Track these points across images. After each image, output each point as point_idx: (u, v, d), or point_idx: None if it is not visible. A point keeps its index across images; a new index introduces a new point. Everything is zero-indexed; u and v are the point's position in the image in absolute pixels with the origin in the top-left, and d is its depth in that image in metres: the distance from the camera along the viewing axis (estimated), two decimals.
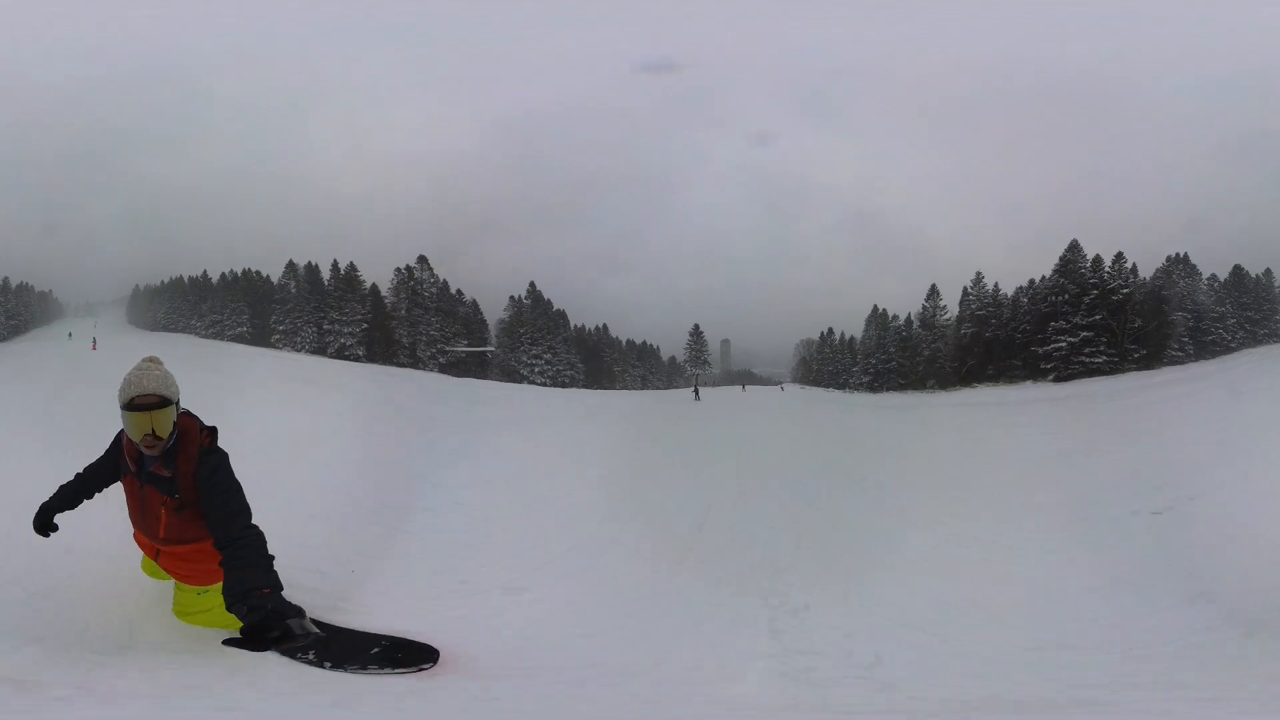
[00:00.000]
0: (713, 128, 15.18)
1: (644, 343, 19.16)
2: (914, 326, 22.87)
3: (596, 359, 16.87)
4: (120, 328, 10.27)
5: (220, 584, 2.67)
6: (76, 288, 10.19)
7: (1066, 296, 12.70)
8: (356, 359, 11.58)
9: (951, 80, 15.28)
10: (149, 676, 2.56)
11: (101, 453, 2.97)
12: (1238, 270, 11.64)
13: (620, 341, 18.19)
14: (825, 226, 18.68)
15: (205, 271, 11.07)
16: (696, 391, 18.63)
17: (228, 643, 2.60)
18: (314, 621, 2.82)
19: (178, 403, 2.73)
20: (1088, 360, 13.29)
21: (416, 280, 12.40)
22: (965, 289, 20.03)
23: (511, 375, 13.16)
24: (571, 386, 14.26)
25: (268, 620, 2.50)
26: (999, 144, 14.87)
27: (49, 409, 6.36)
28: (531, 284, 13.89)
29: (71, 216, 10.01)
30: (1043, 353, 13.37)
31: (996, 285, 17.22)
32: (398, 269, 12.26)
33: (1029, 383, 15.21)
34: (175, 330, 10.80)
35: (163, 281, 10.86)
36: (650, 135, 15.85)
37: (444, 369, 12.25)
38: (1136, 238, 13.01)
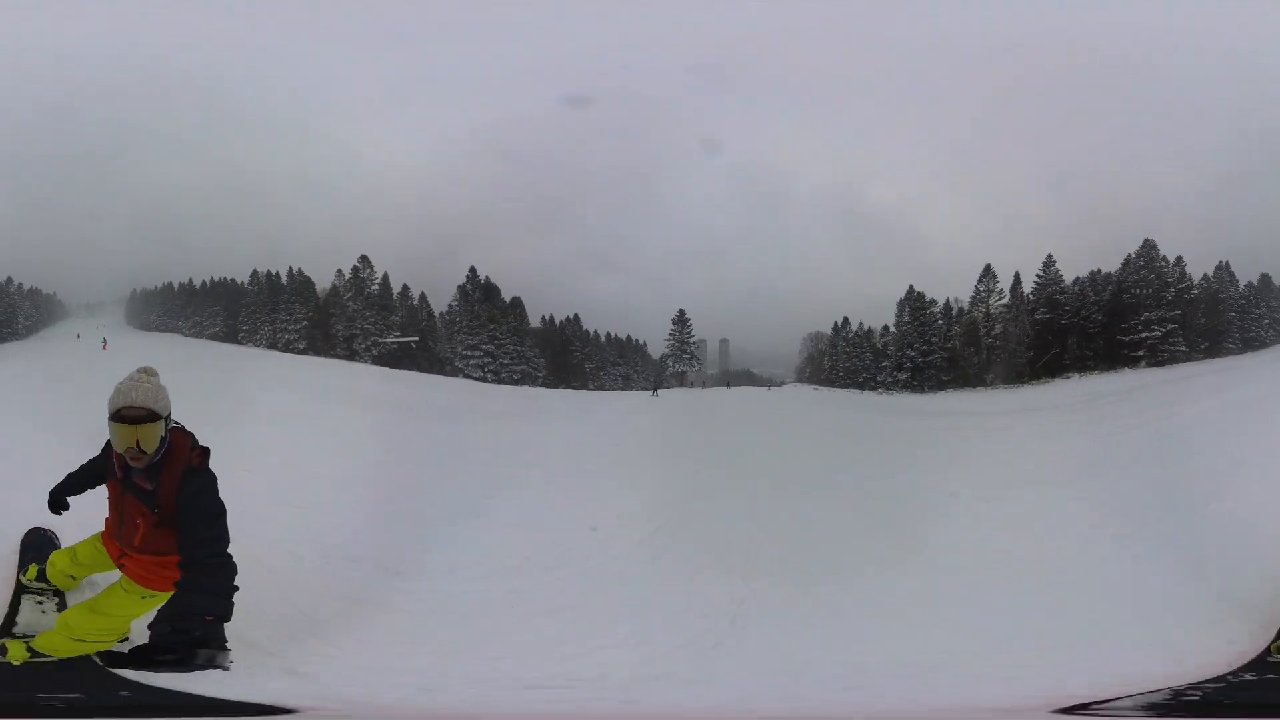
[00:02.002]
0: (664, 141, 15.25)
1: (628, 338, 18.62)
2: (954, 312, 19.49)
3: (565, 355, 16.79)
4: (120, 328, 12.95)
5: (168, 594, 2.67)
6: (76, 288, 12.62)
7: (1150, 290, 13.31)
8: (299, 352, 13.24)
9: (939, 61, 13.89)
10: None
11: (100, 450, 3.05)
12: (1265, 278, 12.79)
13: (599, 336, 17.88)
14: (817, 222, 17.87)
15: (191, 279, 13.56)
16: (655, 389, 17.80)
17: (99, 656, 2.62)
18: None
19: (168, 418, 2.72)
20: (1172, 349, 13.19)
21: (360, 279, 13.76)
22: (1017, 274, 17.19)
23: (447, 368, 13.76)
24: (524, 384, 14.37)
25: (178, 644, 2.44)
26: (994, 129, 14.18)
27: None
28: (472, 269, 14.15)
29: (77, 217, 11.40)
30: (1131, 341, 13.72)
31: (1057, 271, 15.38)
32: (339, 270, 13.75)
33: (1126, 370, 14.21)
34: (165, 330, 13.36)
35: (156, 287, 13.52)
36: (628, 142, 15.89)
37: (376, 360, 13.39)
38: (1141, 229, 13.28)
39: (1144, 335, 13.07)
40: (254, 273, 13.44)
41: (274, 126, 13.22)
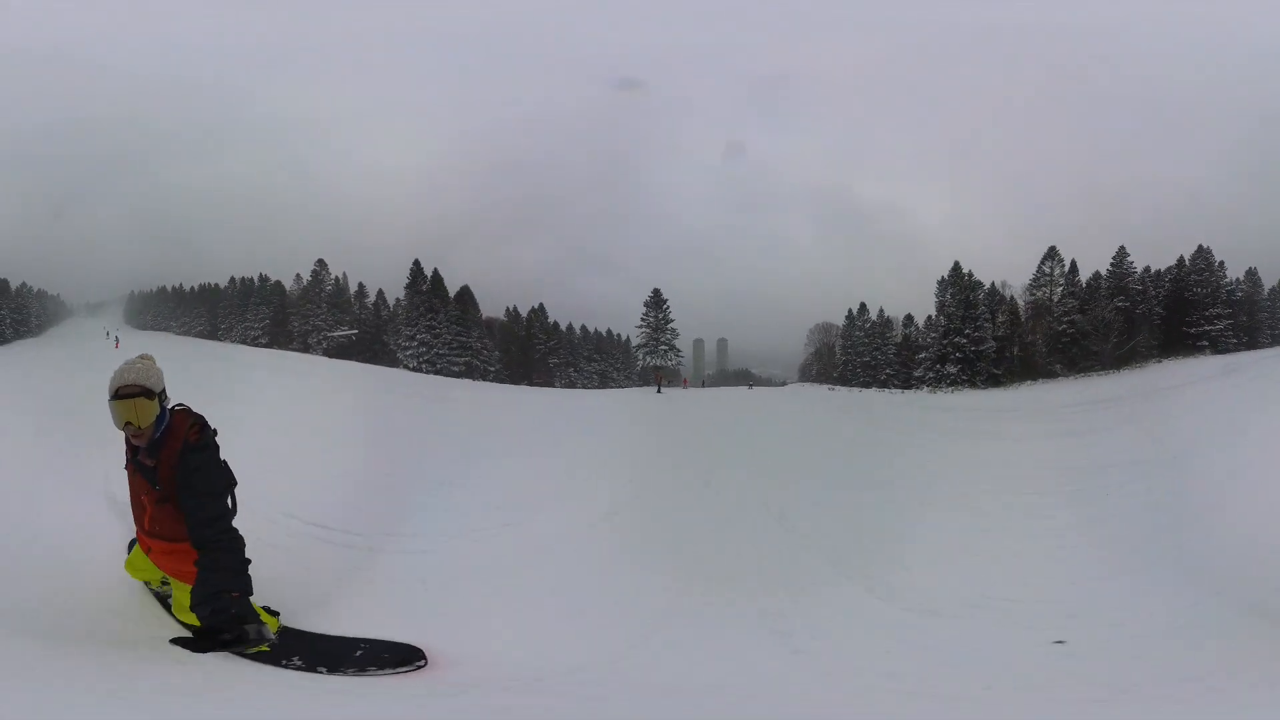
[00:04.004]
0: (683, 142, 15.40)
1: (609, 332, 17.64)
2: (995, 298, 16.68)
3: (529, 348, 16.26)
4: (119, 327, 14.75)
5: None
6: (78, 290, 13.91)
7: (1209, 289, 14.55)
8: (262, 346, 14.25)
9: (928, 51, 12.85)
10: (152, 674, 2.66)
11: None
12: None
13: (574, 330, 17.09)
14: (811, 219, 16.98)
15: (181, 283, 15.18)
16: (659, 386, 16.45)
17: (175, 642, 2.65)
18: (291, 630, 2.93)
19: (163, 395, 2.92)
20: (1227, 340, 14.24)
21: (319, 280, 14.54)
22: (1074, 262, 16.43)
23: (389, 359, 13.97)
24: (466, 378, 14.08)
25: (225, 623, 2.58)
26: (990, 118, 13.95)
27: None
28: (416, 261, 14.21)
29: (83, 218, 12.37)
30: (1196, 332, 14.67)
31: (1131, 263, 15.45)
32: (298, 274, 14.65)
33: (1200, 356, 14.75)
34: (158, 330, 15.01)
35: (152, 290, 15.22)
36: (630, 144, 15.77)
37: (327, 352, 13.96)
38: (1146, 218, 14.25)
39: (1207, 328, 14.22)
40: (231, 278, 14.80)
41: (271, 136, 14.20)
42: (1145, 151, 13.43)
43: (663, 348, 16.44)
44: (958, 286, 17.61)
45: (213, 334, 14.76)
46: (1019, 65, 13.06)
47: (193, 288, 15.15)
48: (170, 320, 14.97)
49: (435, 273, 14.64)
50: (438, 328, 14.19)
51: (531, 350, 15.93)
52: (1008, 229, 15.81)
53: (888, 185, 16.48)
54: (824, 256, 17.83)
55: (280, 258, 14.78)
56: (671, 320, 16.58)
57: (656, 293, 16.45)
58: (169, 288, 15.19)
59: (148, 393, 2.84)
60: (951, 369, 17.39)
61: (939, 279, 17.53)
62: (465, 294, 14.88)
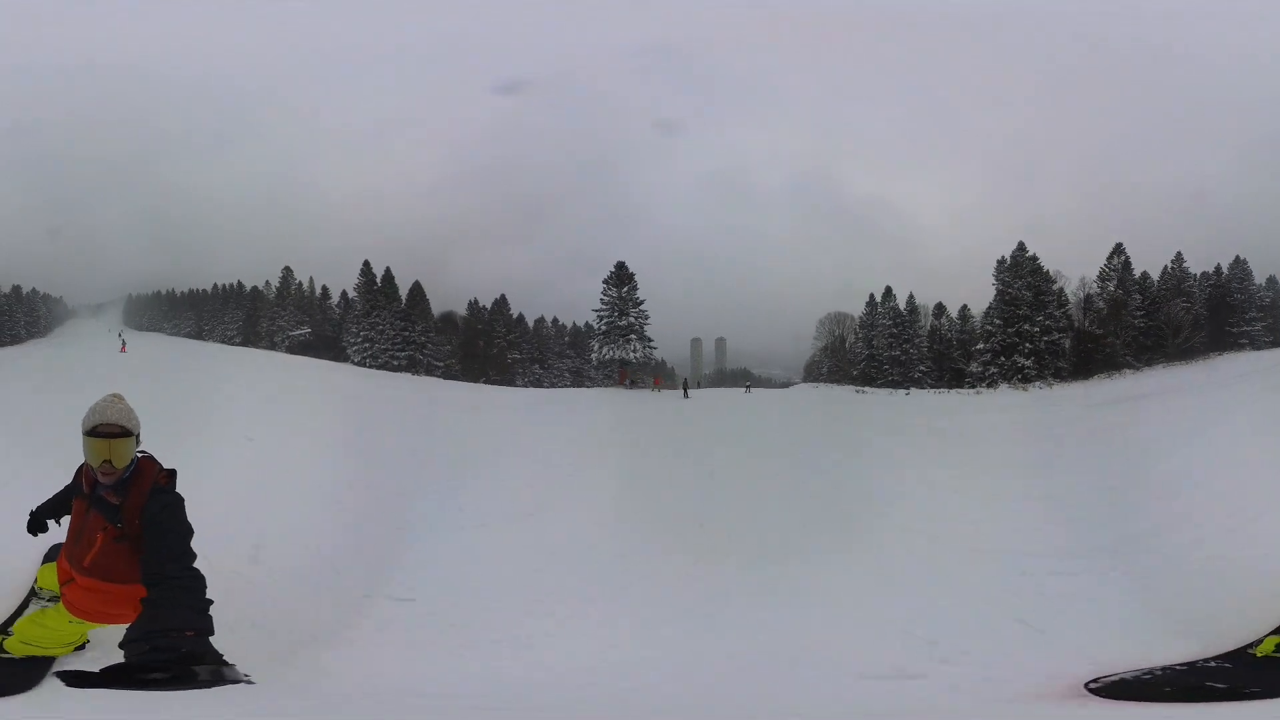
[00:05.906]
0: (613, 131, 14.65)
1: (586, 325, 16.92)
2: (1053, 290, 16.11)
3: (488, 343, 16.00)
4: (123, 330, 16.17)
5: (97, 626, 2.86)
6: (79, 291, 14.67)
7: (1245, 296, 15.51)
8: (236, 344, 15.21)
9: (931, 42, 12.25)
10: None
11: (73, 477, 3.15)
12: None
13: (545, 323, 16.53)
14: (806, 215, 16.14)
15: (174, 289, 16.42)
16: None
17: (61, 675, 2.46)
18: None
19: (137, 438, 2.92)
20: (1261, 338, 15.11)
21: (287, 285, 15.23)
22: (1127, 259, 16.15)
23: (339, 355, 14.36)
24: (408, 372, 14.06)
25: (165, 663, 2.39)
26: (993, 112, 13.71)
27: None
28: (366, 262, 14.38)
29: (87, 219, 12.80)
30: (1238, 331, 15.45)
31: (1186, 267, 15.74)
32: (267, 280, 15.38)
33: (1248, 351, 15.24)
34: (153, 330, 16.34)
35: (148, 294, 16.47)
36: (604, 145, 15.26)
37: (289, 349, 14.64)
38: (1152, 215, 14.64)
39: (1246, 328, 15.31)
40: (215, 284, 15.89)
41: (269, 143, 14.73)
42: (1151, 150, 13.25)
43: (630, 336, 14.80)
44: (1018, 269, 15.75)
45: (198, 335, 15.91)
46: (1022, 58, 12.56)
47: (182, 292, 16.41)
48: (163, 322, 16.28)
49: (387, 271, 14.86)
50: (382, 324, 14.39)
51: (490, 344, 15.74)
52: (1011, 225, 15.22)
53: (881, 179, 15.32)
54: (821, 252, 16.68)
55: (269, 261, 15.67)
56: (641, 301, 14.58)
57: (620, 266, 13.81)
58: (162, 292, 16.54)
59: (126, 433, 2.84)
60: (1023, 361, 15.64)
61: (998, 259, 15.74)
62: (416, 290, 14.98)
